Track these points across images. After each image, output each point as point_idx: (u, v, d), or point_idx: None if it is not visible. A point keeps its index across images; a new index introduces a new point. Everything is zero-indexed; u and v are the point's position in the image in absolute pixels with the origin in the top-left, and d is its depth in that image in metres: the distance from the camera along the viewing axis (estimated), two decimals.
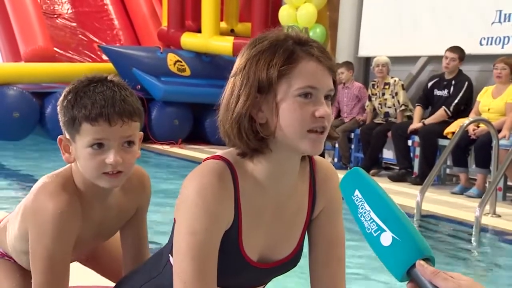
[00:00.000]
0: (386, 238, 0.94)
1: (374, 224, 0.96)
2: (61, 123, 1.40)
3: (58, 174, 1.46)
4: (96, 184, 1.40)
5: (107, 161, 1.35)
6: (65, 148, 1.42)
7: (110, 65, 8.55)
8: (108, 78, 1.41)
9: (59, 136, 1.43)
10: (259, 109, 1.18)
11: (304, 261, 1.37)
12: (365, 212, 0.97)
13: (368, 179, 1.01)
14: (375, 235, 0.95)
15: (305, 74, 1.16)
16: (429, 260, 0.93)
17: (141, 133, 1.46)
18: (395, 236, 0.94)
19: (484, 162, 5.41)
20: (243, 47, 1.23)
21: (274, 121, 1.17)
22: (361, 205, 0.98)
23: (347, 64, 7.24)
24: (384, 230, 0.95)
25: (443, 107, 6.11)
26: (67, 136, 1.41)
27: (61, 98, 1.40)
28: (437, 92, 6.28)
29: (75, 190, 1.43)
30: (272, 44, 1.17)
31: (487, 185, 5.34)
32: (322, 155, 7.25)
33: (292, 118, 1.16)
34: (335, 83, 1.22)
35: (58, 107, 1.40)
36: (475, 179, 5.65)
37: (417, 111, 6.39)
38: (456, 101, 6.07)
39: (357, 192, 0.99)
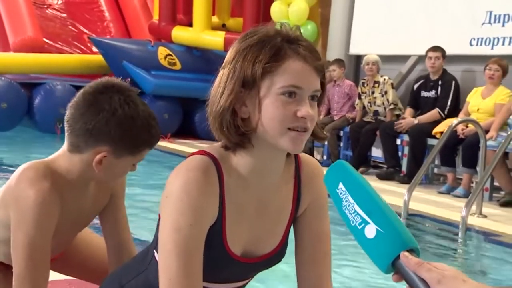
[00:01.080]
0: (370, 231, 0.94)
1: (358, 217, 0.96)
2: (84, 131, 1.47)
3: (39, 162, 1.49)
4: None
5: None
6: (99, 161, 1.49)
7: (100, 58, 8.50)
8: (126, 89, 1.51)
9: (96, 148, 1.49)
10: (243, 104, 1.18)
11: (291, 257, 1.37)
12: (349, 205, 0.98)
13: (352, 172, 1.01)
14: (359, 227, 0.96)
15: (290, 73, 1.15)
16: (413, 251, 0.94)
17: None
18: (379, 229, 0.94)
19: (471, 162, 5.44)
20: (235, 41, 1.23)
21: (256, 117, 1.17)
22: (345, 198, 0.98)
23: (339, 62, 7.24)
24: (368, 223, 0.95)
25: (437, 109, 6.12)
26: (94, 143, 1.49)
27: (86, 107, 1.46)
28: (424, 94, 6.31)
29: (55, 179, 1.46)
30: (261, 40, 1.17)
31: (473, 185, 5.37)
32: (311, 152, 7.31)
33: (273, 115, 1.15)
34: (323, 84, 1.21)
35: (80, 115, 1.48)
36: (461, 179, 5.68)
37: (408, 112, 6.42)
38: (449, 102, 6.09)
39: (341, 185, 1.00)
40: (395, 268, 0.93)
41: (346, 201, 0.98)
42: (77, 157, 1.48)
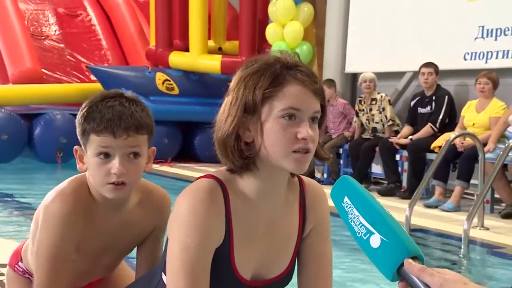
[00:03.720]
0: (375, 240, 0.98)
1: (363, 228, 1.00)
2: (77, 134, 1.49)
3: (75, 178, 1.53)
4: (103, 194, 1.46)
5: (112, 170, 1.42)
6: (79, 158, 1.51)
7: (98, 86, 8.55)
8: (124, 94, 1.50)
9: (75, 146, 1.52)
10: (247, 129, 1.22)
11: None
12: (354, 217, 1.02)
13: (356, 186, 1.05)
14: (365, 238, 1.00)
15: (289, 97, 1.20)
16: (417, 258, 0.97)
17: (154, 148, 1.52)
18: (383, 238, 0.98)
19: (466, 175, 5.45)
20: (232, 65, 1.27)
21: (259, 141, 1.21)
22: (350, 210, 1.03)
23: (329, 82, 7.24)
24: (372, 233, 0.99)
25: (429, 124, 6.18)
26: (82, 147, 1.49)
27: (78, 112, 1.48)
28: (421, 110, 6.36)
29: (87, 196, 1.49)
30: (261, 67, 1.22)
31: (474, 198, 5.38)
32: (312, 171, 7.32)
33: (275, 139, 1.19)
34: (323, 107, 1.25)
35: (76, 120, 1.50)
36: (450, 192, 5.67)
37: (405, 130, 6.46)
38: (441, 116, 6.14)
39: (346, 199, 1.04)
40: (400, 275, 0.97)
41: (351, 213, 1.02)
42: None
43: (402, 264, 0.96)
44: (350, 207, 1.03)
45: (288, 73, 1.21)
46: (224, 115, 1.23)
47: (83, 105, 1.48)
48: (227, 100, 1.25)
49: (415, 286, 0.95)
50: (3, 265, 2.47)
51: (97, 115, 1.43)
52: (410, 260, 0.96)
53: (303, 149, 1.20)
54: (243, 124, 1.22)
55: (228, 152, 1.22)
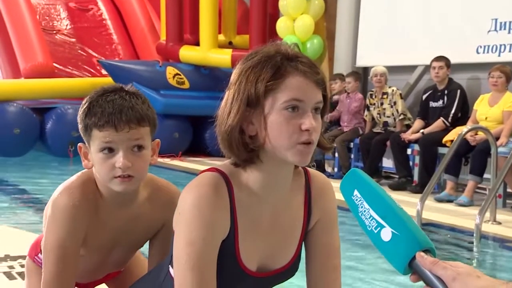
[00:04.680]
0: (386, 234, 0.97)
1: (374, 221, 0.99)
2: (79, 131, 1.49)
3: (82, 173, 1.54)
4: (111, 188, 1.46)
5: (116, 164, 1.42)
6: (84, 154, 1.51)
7: (109, 80, 8.58)
8: (124, 87, 1.49)
9: (79, 144, 1.52)
10: (250, 122, 1.22)
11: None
12: (365, 211, 1.01)
13: (366, 179, 1.04)
14: (375, 231, 0.99)
15: (291, 88, 1.19)
16: (429, 251, 0.96)
17: (158, 140, 1.52)
18: (394, 231, 0.97)
19: (479, 170, 5.42)
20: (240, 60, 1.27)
21: (263, 134, 1.21)
22: (360, 204, 1.02)
23: (355, 75, 7.32)
24: (383, 226, 0.98)
25: (441, 118, 6.14)
26: (86, 144, 1.49)
27: (80, 108, 1.48)
28: (432, 104, 6.32)
29: (94, 190, 1.50)
30: (262, 60, 1.21)
31: (486, 192, 5.35)
32: (322, 165, 7.31)
33: (279, 131, 1.19)
34: (325, 97, 1.25)
35: (77, 116, 1.50)
36: (462, 186, 5.63)
37: (417, 123, 6.42)
38: (453, 111, 6.10)
39: (356, 192, 1.03)
40: (412, 268, 0.96)
41: (361, 207, 1.01)
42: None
43: (414, 258, 0.95)
44: (360, 200, 1.02)
45: (289, 64, 1.21)
46: (227, 109, 1.23)
47: (84, 101, 1.48)
48: (229, 94, 1.24)
49: (427, 279, 0.94)
50: (23, 257, 2.51)
51: (98, 110, 1.43)
52: (422, 253, 0.95)
53: (306, 141, 1.19)
54: (246, 117, 1.21)
55: (233, 146, 1.22)
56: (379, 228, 0.98)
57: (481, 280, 0.89)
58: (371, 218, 0.99)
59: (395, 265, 0.97)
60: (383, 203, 1.00)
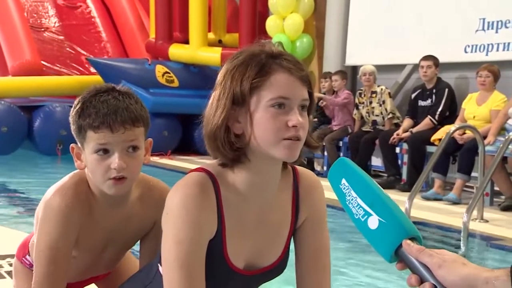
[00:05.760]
0: (373, 222, 0.98)
1: (361, 210, 0.99)
2: (72, 132, 1.48)
3: (74, 173, 1.53)
4: (103, 190, 1.46)
5: (111, 166, 1.41)
6: (77, 155, 1.50)
7: (98, 78, 8.55)
8: (116, 87, 1.48)
9: (71, 144, 1.51)
10: (236, 120, 1.22)
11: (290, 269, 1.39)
12: (352, 199, 1.01)
13: (353, 168, 1.05)
14: (362, 220, 0.99)
15: (276, 86, 1.20)
16: (415, 239, 0.97)
17: (150, 139, 1.51)
18: (381, 219, 0.97)
19: (466, 168, 5.45)
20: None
21: (249, 131, 1.21)
22: (348, 192, 1.02)
23: (342, 73, 7.32)
24: (370, 214, 0.98)
25: (428, 116, 6.18)
26: (78, 144, 1.48)
27: (72, 108, 1.47)
28: (421, 103, 6.35)
29: (87, 191, 1.50)
30: (246, 59, 1.22)
31: (473, 190, 5.38)
32: (312, 163, 7.32)
33: (265, 128, 1.20)
34: (311, 94, 1.25)
35: (69, 117, 1.48)
36: (450, 184, 5.66)
37: (406, 122, 6.45)
38: (440, 109, 6.14)
39: (343, 181, 1.03)
40: (398, 256, 0.96)
41: (349, 195, 1.01)
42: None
43: (400, 245, 0.95)
44: (347, 189, 1.02)
45: (274, 62, 1.21)
46: (213, 109, 1.23)
47: (76, 101, 1.46)
48: (215, 94, 1.25)
49: (413, 267, 0.94)
50: (12, 256, 2.49)
51: (92, 110, 1.41)
52: (409, 241, 0.95)
53: (294, 137, 1.20)
54: (232, 116, 1.22)
55: (219, 145, 1.22)
56: (366, 216, 0.98)
57: (466, 267, 0.90)
58: (359, 206, 1.00)
59: (381, 252, 0.97)
60: (371, 191, 1.00)
